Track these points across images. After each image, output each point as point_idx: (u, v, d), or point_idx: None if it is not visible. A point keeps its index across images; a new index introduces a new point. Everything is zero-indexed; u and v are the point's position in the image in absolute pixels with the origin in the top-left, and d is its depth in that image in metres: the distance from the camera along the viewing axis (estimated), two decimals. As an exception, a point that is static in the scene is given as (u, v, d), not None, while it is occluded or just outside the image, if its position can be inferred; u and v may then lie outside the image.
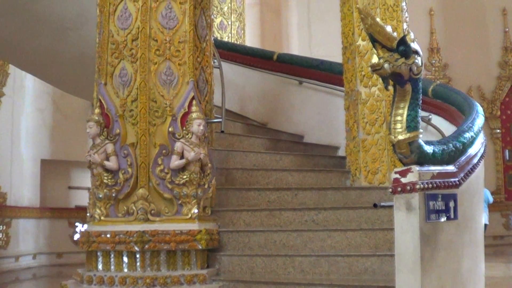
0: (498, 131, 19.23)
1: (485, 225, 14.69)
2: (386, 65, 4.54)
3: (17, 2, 8.85)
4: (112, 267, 6.14)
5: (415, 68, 4.63)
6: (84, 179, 15.02)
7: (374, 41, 4.60)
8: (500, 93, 19.50)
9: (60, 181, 16.37)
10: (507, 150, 19.35)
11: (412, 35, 4.72)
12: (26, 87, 15.51)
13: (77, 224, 16.00)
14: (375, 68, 4.61)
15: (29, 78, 14.92)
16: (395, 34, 4.65)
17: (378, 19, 4.61)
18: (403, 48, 4.54)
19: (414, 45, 4.65)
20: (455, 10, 19.56)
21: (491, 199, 15.13)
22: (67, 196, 16.48)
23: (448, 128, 7.37)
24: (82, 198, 15.31)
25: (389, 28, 4.58)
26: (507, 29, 19.61)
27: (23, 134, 15.42)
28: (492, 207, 16.81)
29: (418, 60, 4.66)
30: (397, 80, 4.67)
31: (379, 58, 4.57)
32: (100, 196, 6.25)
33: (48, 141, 15.92)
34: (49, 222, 15.76)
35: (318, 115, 9.47)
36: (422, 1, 18.88)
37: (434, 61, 19.72)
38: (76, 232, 15.88)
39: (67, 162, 16.10)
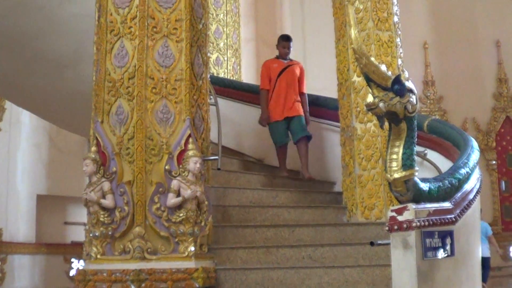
0: (494, 162, 19.20)
1: (488, 258, 14.67)
2: (381, 104, 4.57)
3: (15, 39, 8.90)
4: (109, 305, 6.11)
5: (410, 106, 4.66)
6: (80, 214, 14.96)
7: (369, 80, 4.64)
8: (495, 124, 19.51)
9: (56, 216, 16.30)
10: (503, 181, 19.32)
11: (406, 74, 4.77)
12: (23, 122, 15.51)
13: (73, 260, 15.92)
14: (370, 107, 4.64)
15: (26, 113, 14.91)
16: (389, 73, 4.68)
17: (372, 59, 4.65)
18: (397, 87, 4.58)
19: (409, 84, 4.69)
20: (449, 43, 19.63)
21: (489, 232, 15.09)
22: (63, 232, 16.40)
23: (443, 163, 7.38)
24: (78, 234, 15.23)
25: (383, 67, 4.61)
26: (501, 61, 19.68)
27: (19, 169, 15.39)
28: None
29: (413, 98, 4.70)
30: (392, 119, 4.70)
31: (374, 97, 4.60)
32: (97, 234, 6.23)
33: (44, 176, 15.88)
34: (45, 258, 15.67)
35: (314, 150, 9.48)
36: (416, 35, 18.94)
37: (429, 94, 19.74)
38: (72, 268, 15.81)
39: (63, 198, 16.05)
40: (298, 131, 9.22)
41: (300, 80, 9.68)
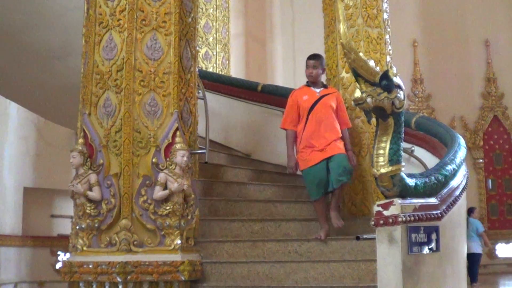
0: (481, 161, 19.30)
1: (479, 254, 14.79)
2: (368, 99, 4.59)
3: (3, 31, 8.87)
4: (94, 297, 6.11)
5: (398, 102, 4.68)
6: (67, 207, 14.94)
7: (357, 75, 4.66)
8: (483, 123, 19.60)
9: (43, 209, 16.26)
10: (490, 180, 19.42)
11: (394, 70, 4.78)
12: (10, 114, 15.46)
13: (59, 253, 15.89)
14: (358, 102, 4.65)
15: (13, 105, 14.87)
16: (378, 68, 4.69)
17: (361, 54, 4.66)
18: (385, 83, 4.60)
19: (397, 80, 4.71)
20: (438, 41, 19.69)
21: (481, 229, 15.20)
22: (49, 225, 16.36)
23: (430, 160, 7.41)
24: (64, 227, 15.21)
25: (372, 63, 4.63)
26: (489, 60, 19.75)
27: (6, 162, 15.34)
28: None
29: (401, 94, 4.71)
30: (379, 114, 4.72)
31: (362, 92, 4.62)
32: (83, 226, 6.22)
33: (31, 169, 15.84)
34: (31, 250, 15.64)
35: (302, 146, 9.48)
36: (406, 33, 18.99)
37: (417, 92, 19.81)
38: (59, 261, 15.77)
39: (50, 191, 16.00)
40: (336, 175, 6.98)
41: (340, 112, 7.42)
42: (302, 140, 7.24)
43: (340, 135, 7.27)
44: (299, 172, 7.33)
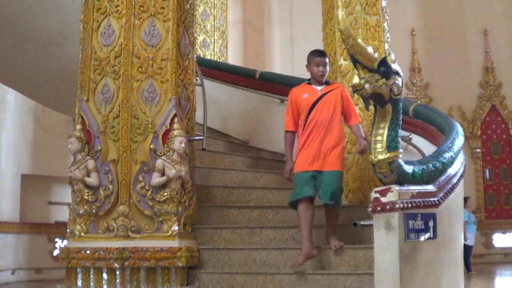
0: (479, 150, 19.33)
1: (470, 246, 14.78)
2: (367, 86, 4.58)
3: (1, 17, 8.84)
4: (92, 283, 6.12)
5: (396, 88, 4.68)
6: (64, 194, 14.92)
7: (355, 61, 4.65)
8: (481, 113, 19.62)
9: (41, 196, 16.23)
10: (487, 170, 19.46)
11: (393, 56, 4.77)
12: (8, 102, 15.42)
13: (56, 239, 15.88)
14: (356, 88, 4.65)
15: (11, 93, 14.84)
16: (376, 55, 4.69)
17: (359, 40, 4.66)
18: (384, 69, 4.59)
19: (395, 66, 4.70)
20: (436, 30, 19.69)
21: (472, 218, 15.16)
22: (47, 212, 16.34)
23: (428, 148, 7.40)
24: (62, 214, 15.19)
25: (370, 49, 4.63)
26: (488, 50, 19.76)
27: (3, 149, 15.31)
28: (471, 226, 16.91)
29: (399, 81, 4.71)
30: (377, 101, 4.72)
31: (360, 79, 4.61)
32: (81, 212, 6.23)
33: (29, 156, 15.82)
34: (28, 237, 15.62)
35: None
36: (404, 22, 18.99)
37: (415, 81, 19.82)
38: (56, 248, 15.77)
39: (47, 178, 15.98)
40: (325, 194, 6.33)
41: (347, 107, 6.78)
42: (299, 142, 6.62)
43: (341, 138, 6.61)
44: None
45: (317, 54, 6.81)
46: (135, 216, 6.20)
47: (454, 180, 5.81)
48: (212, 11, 13.59)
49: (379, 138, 4.78)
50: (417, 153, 7.56)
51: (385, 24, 8.10)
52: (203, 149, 7.24)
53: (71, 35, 8.14)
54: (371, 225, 4.91)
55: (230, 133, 10.08)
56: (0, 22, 9.05)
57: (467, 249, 14.03)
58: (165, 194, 6.18)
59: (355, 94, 5.14)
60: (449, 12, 19.66)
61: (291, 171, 6.59)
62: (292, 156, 6.70)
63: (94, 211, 6.22)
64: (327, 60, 6.81)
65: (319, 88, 6.74)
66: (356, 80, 4.65)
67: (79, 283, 6.19)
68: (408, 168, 4.94)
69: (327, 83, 6.83)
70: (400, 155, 4.81)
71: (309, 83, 6.83)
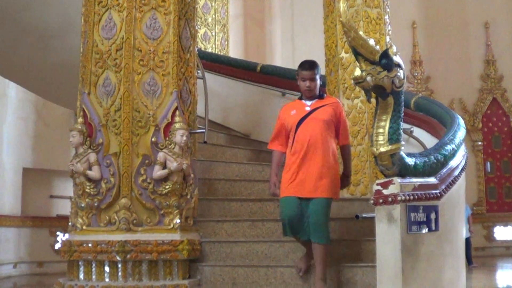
0: (480, 143, 19.31)
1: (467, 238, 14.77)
2: (368, 78, 4.58)
3: (2, 10, 8.83)
4: (94, 276, 6.14)
5: (397, 81, 4.67)
6: (66, 188, 14.94)
7: (357, 54, 4.64)
8: (482, 105, 19.59)
9: (42, 190, 16.23)
10: (488, 162, 19.44)
11: (394, 48, 4.77)
12: (9, 95, 15.41)
13: (58, 233, 15.90)
14: (358, 81, 4.65)
15: (12, 86, 14.83)
16: (377, 47, 4.68)
17: (361, 33, 4.66)
18: (385, 61, 4.59)
19: (397, 58, 4.70)
20: (437, 23, 19.66)
21: (468, 212, 15.13)
22: (48, 205, 16.34)
23: (430, 141, 7.41)
24: (63, 207, 15.20)
25: (372, 42, 4.62)
26: (489, 43, 19.72)
27: (5, 142, 15.31)
28: (473, 219, 16.90)
29: (401, 73, 4.70)
30: (379, 93, 4.71)
31: (362, 71, 4.61)
32: (82, 205, 6.24)
33: (30, 149, 15.81)
34: (30, 231, 15.63)
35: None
36: (405, 14, 18.96)
37: (416, 74, 19.79)
38: (58, 241, 15.79)
39: (49, 171, 15.99)
40: (312, 229, 5.74)
41: (341, 126, 6.06)
42: (286, 164, 6.01)
43: (333, 162, 5.91)
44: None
45: (303, 67, 6.08)
46: (137, 209, 6.21)
47: (456, 173, 5.81)
48: (213, 4, 13.59)
49: (381, 130, 4.78)
50: (419, 145, 7.57)
51: (386, 17, 8.10)
52: (205, 142, 7.26)
53: (73, 29, 8.13)
54: (373, 218, 4.92)
55: (231, 126, 10.09)
56: (1, 16, 9.04)
57: (466, 241, 14.05)
58: (167, 187, 6.19)
59: (357, 87, 5.14)
60: (450, 5, 19.62)
61: (275, 185, 6.03)
62: (277, 173, 6.14)
63: (96, 204, 6.23)
64: (316, 72, 6.02)
65: (308, 103, 6.05)
66: (357, 72, 4.65)
67: (81, 276, 6.20)
68: (410, 161, 4.94)
69: (320, 96, 6.11)
70: (402, 148, 4.81)
71: (300, 98, 6.17)
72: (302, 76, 6.03)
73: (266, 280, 6.08)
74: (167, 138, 6.28)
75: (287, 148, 6.03)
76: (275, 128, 6.21)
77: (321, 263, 5.72)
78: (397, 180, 4.71)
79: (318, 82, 6.05)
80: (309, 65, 6.04)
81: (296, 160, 5.86)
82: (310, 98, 6.06)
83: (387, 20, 8.12)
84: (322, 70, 8.23)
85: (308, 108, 6.00)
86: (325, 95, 6.26)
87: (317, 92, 6.09)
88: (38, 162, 15.87)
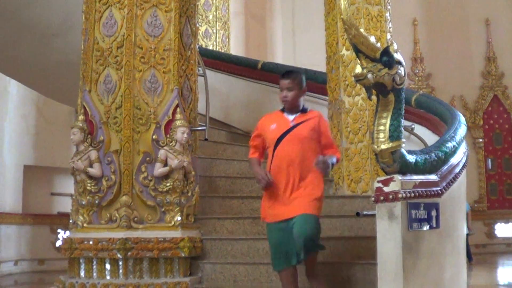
0: (481, 140, 19.33)
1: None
2: (369, 75, 4.57)
3: (3, 7, 8.84)
4: (95, 274, 6.14)
5: (398, 78, 4.66)
6: (67, 185, 14.97)
7: (357, 51, 4.63)
8: (483, 102, 19.62)
9: (43, 187, 16.26)
10: (489, 160, 19.46)
11: (395, 46, 4.76)
12: (10, 93, 15.42)
13: (59, 230, 15.92)
14: (359, 78, 4.64)
15: (13, 84, 14.84)
16: (378, 44, 4.68)
17: (362, 30, 4.64)
18: (386, 59, 4.58)
19: (397, 56, 4.69)
20: (438, 20, 19.68)
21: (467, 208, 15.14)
22: (49, 203, 16.37)
23: (430, 138, 7.40)
24: (64, 205, 15.21)
25: (372, 39, 4.61)
26: (490, 40, 19.74)
27: (6, 140, 15.32)
28: (474, 216, 16.92)
29: (401, 70, 4.69)
30: (380, 90, 4.70)
31: (363, 68, 4.60)
32: (83, 203, 6.25)
33: (31, 147, 15.83)
34: (31, 228, 15.65)
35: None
36: (406, 11, 18.97)
37: (417, 71, 19.81)
38: (58, 239, 15.81)
39: (50, 168, 16.01)
40: (297, 248, 5.29)
41: (324, 140, 5.62)
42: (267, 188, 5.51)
43: (317, 182, 5.48)
44: None
45: (281, 75, 5.71)
46: (138, 206, 6.22)
47: (457, 170, 5.80)
48: (214, 1, 13.58)
49: (381, 128, 4.77)
50: (420, 143, 7.56)
51: (387, 14, 8.09)
52: (206, 140, 7.26)
53: (74, 26, 8.14)
54: (374, 215, 4.91)
55: (232, 123, 10.09)
56: (2, 13, 9.04)
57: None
58: (168, 184, 6.20)
59: (358, 84, 5.13)
60: (451, 2, 19.64)
61: (265, 174, 5.46)
62: (260, 166, 5.68)
63: (96, 201, 6.24)
64: (296, 82, 5.63)
65: (290, 117, 5.62)
66: (358, 70, 4.64)
67: (82, 273, 6.21)
68: (411, 158, 4.93)
69: (303, 110, 5.69)
70: (403, 145, 4.81)
71: (283, 110, 5.72)
72: (280, 86, 5.64)
73: (267, 278, 6.09)
74: (168, 136, 6.28)
75: (268, 162, 5.61)
76: (252, 139, 5.80)
77: (314, 262, 5.49)
78: (398, 177, 4.70)
79: (298, 93, 5.63)
80: (287, 74, 5.70)
81: (279, 179, 5.44)
82: (292, 111, 5.63)
83: (388, 17, 8.11)
84: (323, 67, 8.28)
85: (291, 123, 5.58)
86: (309, 109, 5.75)
87: (300, 106, 5.68)
88: (39, 159, 15.89)
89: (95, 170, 6.24)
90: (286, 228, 5.33)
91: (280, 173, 5.46)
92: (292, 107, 5.62)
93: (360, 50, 4.63)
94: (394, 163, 4.79)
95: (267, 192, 5.52)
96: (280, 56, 18.32)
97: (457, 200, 5.91)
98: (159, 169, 6.19)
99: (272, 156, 5.53)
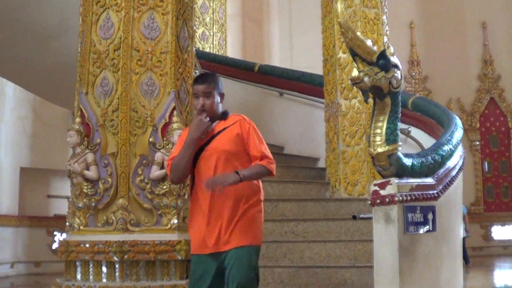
0: (478, 143, 19.36)
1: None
2: (366, 79, 4.58)
3: (0, 10, 8.83)
4: (91, 277, 6.12)
5: (395, 81, 4.67)
6: (63, 187, 14.96)
7: (354, 54, 4.64)
8: (480, 105, 19.64)
9: (39, 189, 16.26)
10: (486, 162, 19.49)
11: (392, 49, 4.77)
12: (7, 95, 15.43)
13: (55, 233, 15.92)
14: (355, 82, 4.64)
15: (10, 85, 14.84)
16: (375, 47, 4.69)
17: (358, 33, 4.65)
18: (383, 62, 4.58)
19: (394, 59, 4.70)
20: (435, 23, 19.70)
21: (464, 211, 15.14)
22: (46, 205, 16.37)
23: (427, 141, 7.42)
24: (61, 207, 15.20)
25: (369, 42, 4.62)
26: (486, 42, 19.77)
27: (2, 142, 15.33)
28: (471, 219, 16.94)
29: (398, 74, 4.70)
30: (376, 94, 4.71)
31: (359, 72, 4.61)
32: (80, 205, 6.23)
33: (27, 149, 15.84)
34: (27, 230, 15.65)
35: (299, 126, 9.50)
36: (403, 14, 18.99)
37: (414, 74, 19.84)
38: (55, 241, 15.81)
39: (46, 171, 16.01)
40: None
41: (250, 146, 4.69)
42: (190, 212, 4.77)
43: (252, 198, 4.70)
44: None
45: (196, 80, 4.84)
46: (134, 209, 6.20)
47: (453, 173, 5.82)
48: (211, 4, 13.59)
49: (378, 131, 4.78)
50: (416, 146, 7.58)
51: (384, 17, 8.12)
52: (202, 142, 7.23)
53: (70, 28, 8.13)
54: (370, 218, 4.92)
55: (229, 126, 10.08)
56: (-1, 15, 9.05)
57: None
58: (164, 187, 6.18)
59: (355, 87, 5.14)
60: (447, 5, 19.66)
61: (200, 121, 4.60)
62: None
63: (93, 204, 6.22)
64: (213, 87, 4.70)
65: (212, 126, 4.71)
66: (355, 73, 4.65)
67: (78, 276, 6.18)
68: (407, 161, 4.94)
69: (224, 116, 4.78)
70: (399, 148, 4.81)
71: None
72: (195, 92, 4.71)
73: (263, 280, 6.07)
74: (164, 138, 6.27)
75: (189, 190, 4.87)
76: (170, 159, 4.78)
77: None
78: (395, 180, 4.71)
79: (216, 99, 4.72)
80: (202, 77, 4.84)
81: (200, 211, 4.59)
82: (212, 120, 4.67)
83: (385, 20, 8.14)
84: (319, 70, 8.30)
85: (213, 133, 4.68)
86: (230, 113, 4.83)
87: (219, 111, 4.77)
88: (35, 161, 15.89)
89: (91, 173, 6.23)
90: (217, 263, 4.53)
91: (203, 202, 4.58)
92: (211, 115, 4.66)
93: (356, 53, 4.64)
94: (390, 166, 4.79)
95: (193, 224, 4.70)
96: (277, 58, 18.33)
97: (453, 203, 5.92)
98: (155, 172, 6.18)
99: (192, 181, 4.73)
